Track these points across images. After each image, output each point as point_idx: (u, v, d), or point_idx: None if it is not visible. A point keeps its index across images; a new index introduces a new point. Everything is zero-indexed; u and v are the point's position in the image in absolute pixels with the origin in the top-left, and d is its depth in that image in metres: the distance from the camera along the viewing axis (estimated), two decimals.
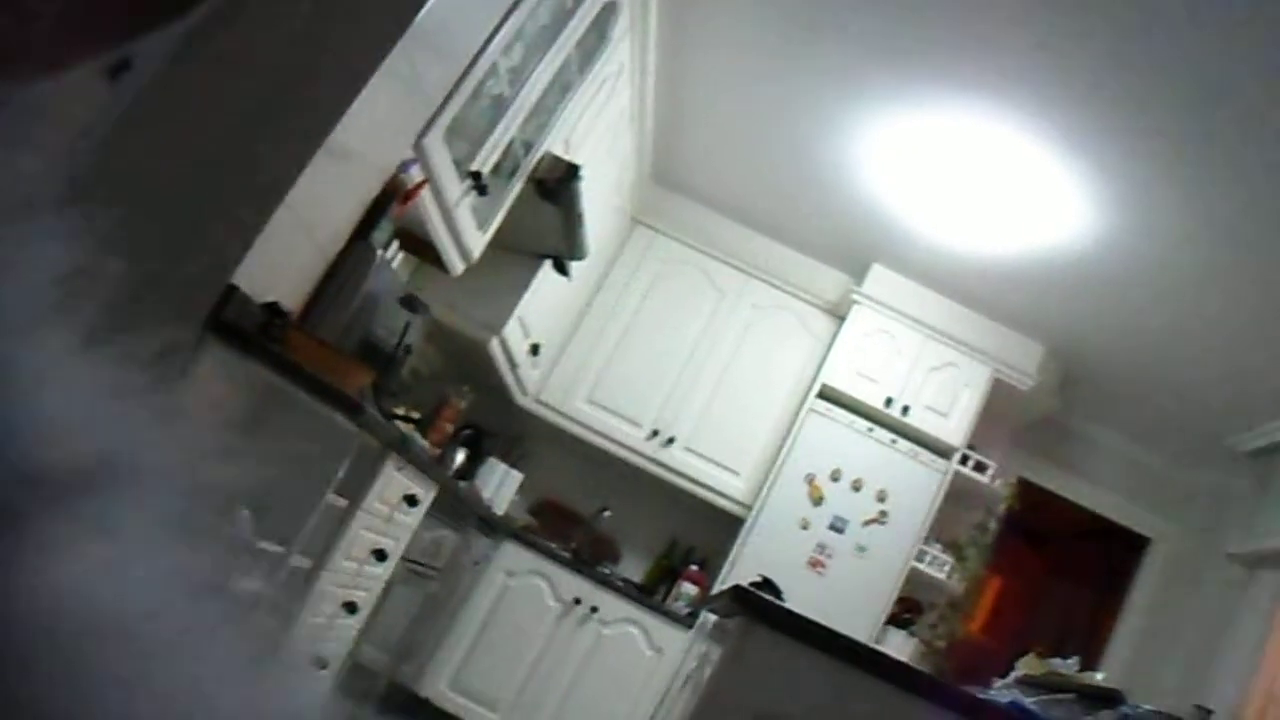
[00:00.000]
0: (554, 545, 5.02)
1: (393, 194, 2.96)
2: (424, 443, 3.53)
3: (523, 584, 4.86)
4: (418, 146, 2.93)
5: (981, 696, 2.44)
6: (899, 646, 4.96)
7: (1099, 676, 2.80)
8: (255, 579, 2.25)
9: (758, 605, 2.52)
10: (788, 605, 2.77)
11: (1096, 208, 4.17)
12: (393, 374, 3.27)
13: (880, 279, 5.45)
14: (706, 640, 3.25)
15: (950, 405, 5.33)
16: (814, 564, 5.09)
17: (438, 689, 4.72)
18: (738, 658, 2.44)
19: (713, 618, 3.62)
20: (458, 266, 3.72)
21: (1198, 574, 5.46)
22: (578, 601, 4.84)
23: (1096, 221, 4.25)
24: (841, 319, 5.50)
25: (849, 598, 4.97)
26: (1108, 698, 2.58)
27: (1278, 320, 4.28)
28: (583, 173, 3.92)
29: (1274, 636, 4.61)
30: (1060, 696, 2.56)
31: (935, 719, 2.19)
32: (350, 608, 2.79)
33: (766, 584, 2.70)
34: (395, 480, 2.89)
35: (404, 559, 3.24)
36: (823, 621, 2.45)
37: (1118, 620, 5.78)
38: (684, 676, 3.09)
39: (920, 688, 2.27)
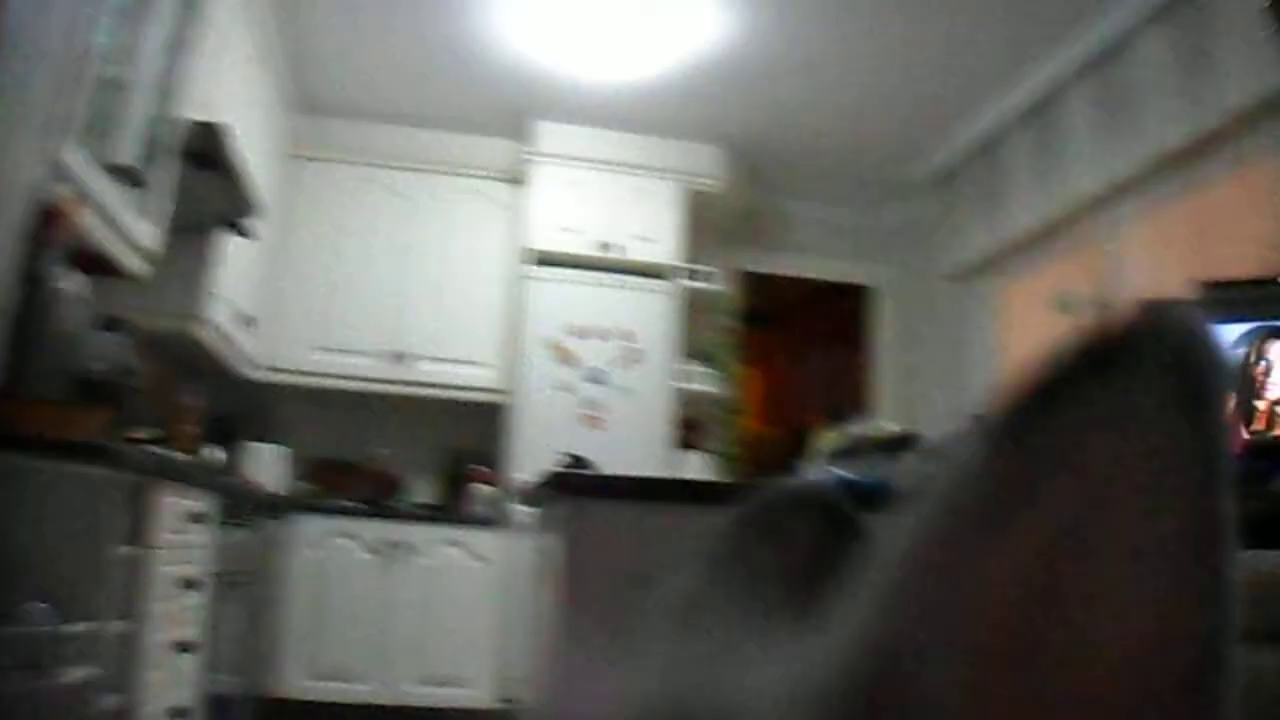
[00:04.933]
0: (342, 501, 4.92)
1: (46, 220, 2.70)
2: (178, 455, 3.34)
3: (329, 550, 4.75)
4: (53, 161, 2.67)
5: (807, 485, 2.60)
6: (699, 467, 5.19)
7: (890, 425, 3.03)
8: (79, 665, 2.10)
9: (578, 484, 2.58)
10: (599, 472, 2.85)
11: (730, 3, 4.30)
12: (124, 402, 3.04)
13: (548, 133, 5.45)
14: (535, 532, 3.29)
15: (657, 229, 5.47)
16: (591, 421, 5.19)
17: (299, 684, 4.61)
18: (579, 537, 2.49)
19: (529, 509, 3.66)
20: (142, 268, 3.46)
21: (924, 303, 5.94)
22: (389, 545, 4.79)
23: (734, 15, 4.39)
24: (525, 184, 5.49)
25: (635, 441, 5.13)
26: (905, 441, 2.80)
27: (916, 51, 4.58)
28: (230, 129, 3.69)
29: (1005, 333, 5.11)
30: (866, 456, 2.75)
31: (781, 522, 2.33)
32: (184, 647, 2.66)
33: (576, 461, 2.76)
34: (172, 505, 2.73)
35: (214, 576, 3.09)
36: (620, 470, 2.54)
37: (872, 369, 6.24)
38: (531, 572, 3.13)
39: (758, 500, 2.40)
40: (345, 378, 5.22)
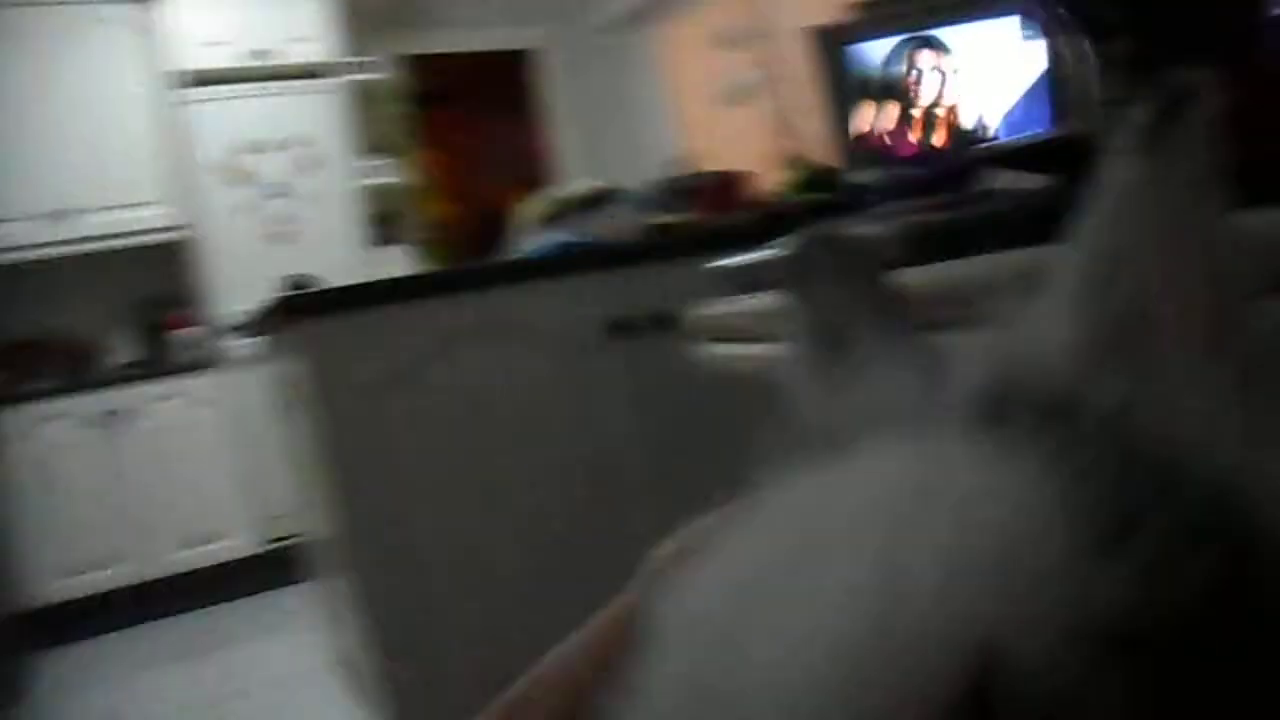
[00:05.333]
0: (38, 384, 4.59)
1: None
2: None
3: (44, 439, 4.44)
4: None
5: (532, 257, 2.65)
6: (400, 260, 5.15)
7: (588, 182, 3.10)
8: None
9: (310, 303, 2.54)
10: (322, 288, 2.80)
11: None
12: None
13: None
14: (263, 362, 3.22)
15: (310, 28, 5.19)
16: (281, 237, 5.01)
17: (54, 588, 4.41)
18: (323, 356, 2.46)
19: (248, 343, 3.56)
20: None
21: (590, 60, 5.94)
22: (104, 416, 4.54)
23: None
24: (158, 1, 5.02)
25: (330, 247, 5.01)
26: (606, 196, 2.89)
27: None
28: None
29: (672, 77, 5.23)
30: (574, 217, 2.83)
31: (515, 300, 2.39)
32: None
33: (299, 283, 2.70)
34: None
35: None
36: (329, 280, 2.53)
37: (551, 133, 6.24)
38: (278, 406, 3.09)
39: (486, 281, 2.45)
40: (3, 251, 4.76)
